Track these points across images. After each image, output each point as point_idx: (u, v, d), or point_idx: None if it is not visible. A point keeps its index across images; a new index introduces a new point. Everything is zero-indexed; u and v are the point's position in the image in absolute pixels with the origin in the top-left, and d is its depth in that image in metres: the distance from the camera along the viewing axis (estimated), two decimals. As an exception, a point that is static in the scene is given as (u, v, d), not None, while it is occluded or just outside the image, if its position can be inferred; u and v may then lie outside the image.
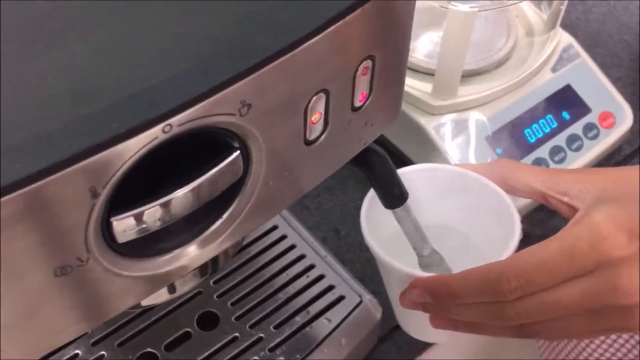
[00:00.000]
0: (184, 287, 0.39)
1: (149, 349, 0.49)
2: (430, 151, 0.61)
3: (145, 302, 0.38)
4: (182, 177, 0.28)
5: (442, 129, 0.61)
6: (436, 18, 0.65)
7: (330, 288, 0.53)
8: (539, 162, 0.62)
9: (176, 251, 0.30)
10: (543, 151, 0.62)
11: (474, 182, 0.44)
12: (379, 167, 0.40)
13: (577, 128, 0.64)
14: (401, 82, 0.35)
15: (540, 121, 0.63)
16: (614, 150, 0.66)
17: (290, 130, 0.30)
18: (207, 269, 0.39)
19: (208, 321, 0.50)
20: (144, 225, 0.26)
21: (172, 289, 0.39)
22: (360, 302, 0.52)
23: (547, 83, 0.64)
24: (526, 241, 0.41)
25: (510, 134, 0.62)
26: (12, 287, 0.24)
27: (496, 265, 0.37)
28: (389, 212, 0.42)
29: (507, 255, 0.39)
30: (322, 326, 0.51)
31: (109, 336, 0.49)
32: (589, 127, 0.64)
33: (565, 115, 0.64)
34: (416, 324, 0.46)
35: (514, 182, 0.42)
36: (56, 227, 0.23)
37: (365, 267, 0.60)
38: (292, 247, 0.55)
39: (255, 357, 0.49)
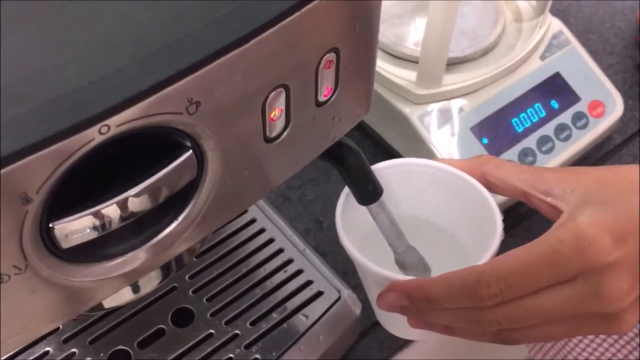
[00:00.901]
0: (147, 287, 0.37)
1: (121, 347, 0.48)
2: (414, 141, 0.60)
3: (108, 304, 0.37)
4: (134, 178, 0.27)
5: (426, 119, 0.59)
6: (422, 5, 0.64)
7: (309, 283, 0.51)
8: (526, 152, 0.60)
9: (128, 255, 0.28)
10: (530, 141, 0.61)
11: (453, 178, 0.43)
12: (352, 163, 0.38)
13: (565, 117, 0.62)
14: (371, 75, 0.34)
15: (528, 110, 0.62)
16: (603, 140, 0.64)
17: (248, 127, 0.28)
18: (170, 268, 0.38)
19: (183, 317, 0.49)
20: (88, 230, 0.25)
21: (136, 288, 0.37)
22: (339, 298, 0.51)
23: (536, 71, 0.63)
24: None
25: (496, 123, 0.60)
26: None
27: (475, 269, 0.35)
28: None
29: (487, 257, 0.38)
30: (300, 323, 0.49)
31: (80, 333, 0.48)
32: (578, 116, 0.63)
33: (554, 104, 0.62)
34: (395, 322, 0.45)
35: (495, 179, 0.41)
36: (-14, 235, 0.22)
37: (347, 261, 0.58)
38: (271, 240, 0.54)
39: (231, 355, 0.48)
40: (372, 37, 0.32)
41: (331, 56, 0.30)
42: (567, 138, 0.62)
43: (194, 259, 0.51)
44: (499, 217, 0.41)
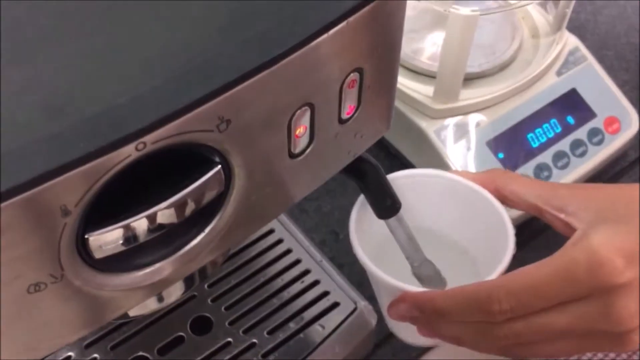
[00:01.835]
0: (172, 297, 0.38)
1: (141, 353, 0.48)
2: (431, 155, 0.60)
3: (133, 313, 0.38)
4: (164, 192, 0.28)
5: (443, 133, 0.60)
6: (439, 20, 0.65)
7: (325, 294, 0.52)
8: (541, 167, 0.61)
9: (157, 265, 0.29)
10: (546, 156, 0.61)
11: (466, 189, 0.44)
12: (371, 178, 0.39)
13: (581, 133, 0.63)
14: (392, 93, 0.35)
15: (544, 125, 0.62)
16: (618, 156, 0.65)
17: (274, 144, 0.29)
18: (194, 279, 0.39)
19: (201, 325, 0.50)
20: (121, 242, 0.26)
21: (160, 298, 0.38)
22: (355, 309, 0.51)
23: (552, 87, 0.63)
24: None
25: (512, 138, 0.61)
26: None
27: (487, 284, 0.36)
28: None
29: (499, 271, 0.38)
30: (316, 333, 0.50)
31: (102, 339, 0.49)
32: (594, 132, 0.63)
33: (570, 119, 0.63)
34: (405, 329, 0.46)
35: (509, 193, 0.41)
36: (27, 245, 0.23)
37: (363, 271, 0.58)
38: (288, 251, 0.54)
39: (248, 363, 0.49)
40: (394, 57, 0.33)
41: (355, 76, 0.31)
42: (583, 154, 0.62)
43: (214, 269, 0.52)
44: (511, 231, 0.41)
